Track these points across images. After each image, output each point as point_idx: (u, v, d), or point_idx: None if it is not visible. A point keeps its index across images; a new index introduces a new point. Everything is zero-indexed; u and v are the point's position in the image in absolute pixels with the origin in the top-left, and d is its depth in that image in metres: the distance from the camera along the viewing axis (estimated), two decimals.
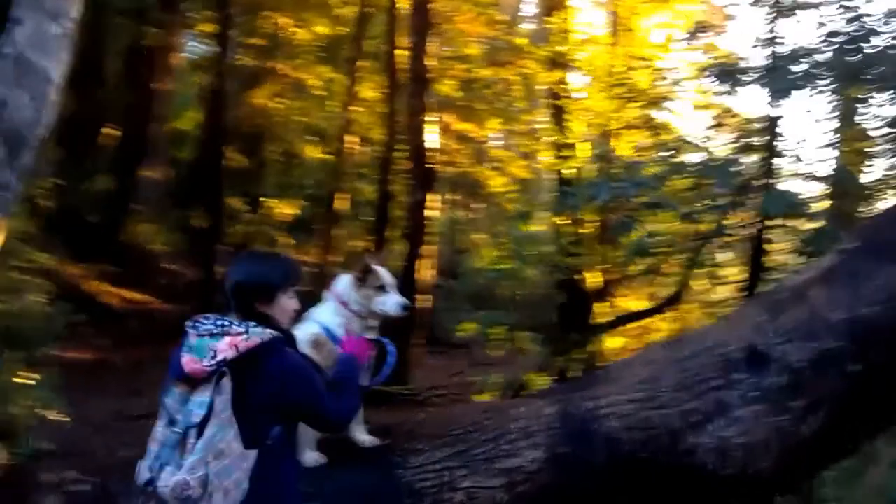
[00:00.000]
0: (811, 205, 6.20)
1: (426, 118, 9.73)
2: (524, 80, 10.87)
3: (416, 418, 3.58)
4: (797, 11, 6.17)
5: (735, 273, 7.12)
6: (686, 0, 9.53)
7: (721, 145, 6.83)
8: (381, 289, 2.89)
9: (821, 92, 5.73)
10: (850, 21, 5.51)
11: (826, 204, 6.69)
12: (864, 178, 6.98)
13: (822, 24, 5.74)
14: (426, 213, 9.87)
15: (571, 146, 8.69)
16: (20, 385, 5.40)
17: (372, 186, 13.84)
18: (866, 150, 6.82)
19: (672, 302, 7.20)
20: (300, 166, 18.45)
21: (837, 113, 6.55)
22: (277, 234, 17.87)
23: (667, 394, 3.06)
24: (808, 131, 6.37)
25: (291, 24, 15.38)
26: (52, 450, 5.21)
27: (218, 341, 2.00)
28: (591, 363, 7.30)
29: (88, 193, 13.98)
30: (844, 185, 6.78)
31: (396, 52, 11.11)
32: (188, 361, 2.00)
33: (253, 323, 2.07)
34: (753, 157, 6.37)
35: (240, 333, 2.02)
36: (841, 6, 5.67)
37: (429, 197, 9.87)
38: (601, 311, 8.10)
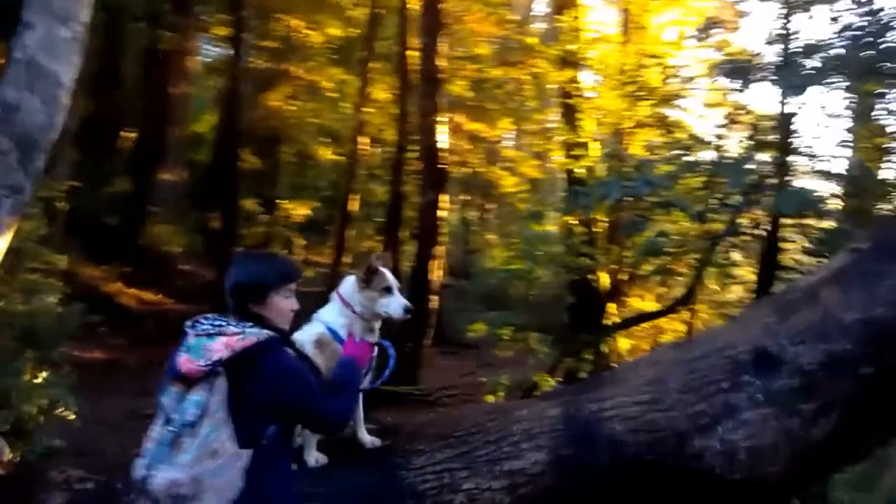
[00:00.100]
0: (827, 203, 6.11)
1: (438, 119, 9.72)
2: (535, 80, 10.83)
3: (418, 419, 3.56)
4: (810, 6, 6.08)
5: (749, 273, 7.04)
6: None
7: (734, 143, 6.75)
8: (386, 291, 2.87)
9: (835, 88, 5.64)
10: (863, 15, 5.42)
11: (842, 202, 6.58)
12: (882, 175, 6.87)
13: (835, 19, 5.65)
14: (438, 213, 9.85)
15: (583, 145, 8.64)
16: (34, 384, 5.47)
17: (384, 187, 13.88)
18: (884, 146, 6.71)
19: (684, 302, 7.12)
20: (314, 168, 18.56)
21: (853, 109, 6.44)
22: (292, 234, 17.99)
23: (673, 396, 3.01)
24: (823, 128, 6.23)
25: (304, 26, 15.45)
26: (65, 448, 5.29)
27: (213, 341, 2.02)
28: (601, 364, 7.25)
29: (106, 196, 14.16)
30: (861, 183, 6.68)
31: (408, 52, 11.12)
32: (184, 361, 2.02)
33: (250, 323, 2.08)
34: (767, 155, 6.28)
35: (235, 334, 2.03)
36: (855, 1, 5.58)
37: (440, 197, 9.86)
38: (612, 312, 8.04)
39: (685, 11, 9.53)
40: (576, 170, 8.58)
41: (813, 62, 5.41)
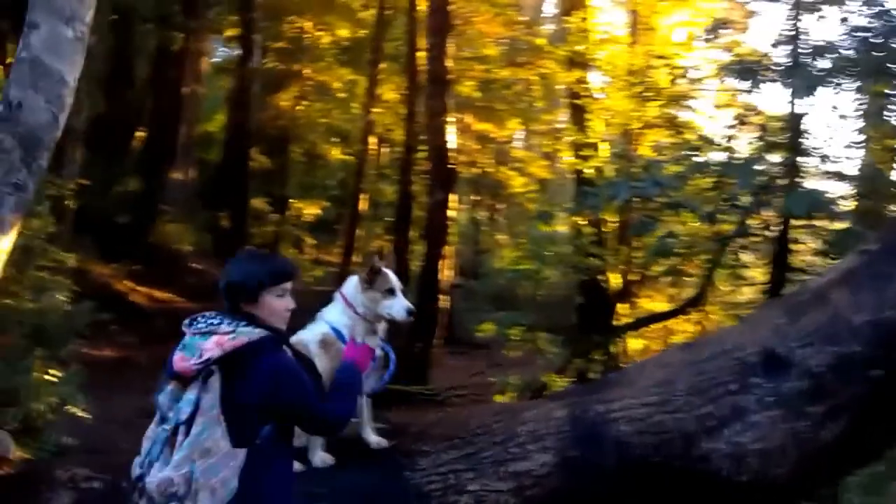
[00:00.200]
0: (838, 204, 6.05)
1: (446, 119, 9.73)
2: (543, 80, 10.82)
3: (425, 419, 3.55)
4: (820, 7, 6.03)
5: (760, 274, 6.99)
6: None
7: (744, 144, 6.71)
8: (389, 292, 2.86)
9: (846, 89, 5.59)
10: (873, 16, 5.36)
11: (853, 203, 6.52)
12: (894, 176, 6.80)
13: (845, 20, 5.60)
14: (447, 213, 9.86)
15: (592, 146, 8.62)
16: (43, 382, 5.51)
17: (393, 187, 13.90)
18: (895, 147, 6.64)
19: (694, 303, 7.08)
20: (323, 167, 18.62)
21: (864, 110, 6.38)
22: (301, 234, 18.07)
23: (681, 397, 2.98)
24: (833, 129, 6.17)
25: (314, 27, 15.51)
26: (75, 445, 5.31)
27: (206, 340, 2.02)
28: (611, 365, 7.22)
29: (118, 195, 14.26)
30: (873, 184, 6.61)
31: (416, 53, 11.13)
32: (178, 359, 2.02)
33: (243, 323, 2.07)
34: (777, 156, 6.24)
35: (227, 333, 2.02)
36: (865, 1, 5.52)
37: (449, 197, 9.86)
38: (622, 313, 8.01)
39: (694, 12, 9.49)
40: (584, 170, 8.56)
41: (823, 63, 5.36)
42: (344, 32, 15.38)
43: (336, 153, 17.59)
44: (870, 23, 5.40)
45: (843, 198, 6.34)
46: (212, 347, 1.99)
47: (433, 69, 9.99)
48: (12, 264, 5.90)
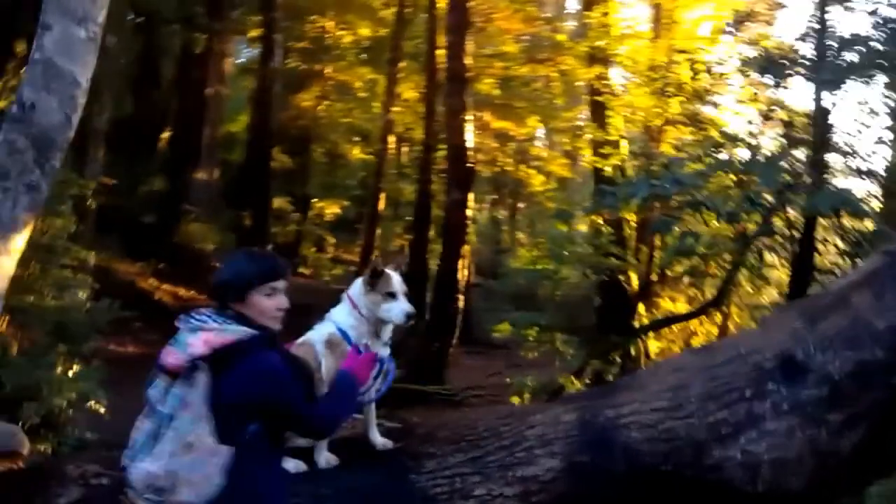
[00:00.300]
0: (865, 203, 5.87)
1: (465, 117, 9.69)
2: (563, 77, 10.72)
3: (432, 421, 3.51)
4: None
5: (783, 275, 6.83)
6: None
7: (768, 140, 6.56)
8: (389, 295, 2.83)
9: (874, 83, 5.42)
10: None
11: (881, 202, 6.33)
12: None
13: (873, 12, 5.43)
14: (465, 212, 9.82)
15: (612, 143, 8.51)
16: (65, 377, 5.59)
17: (412, 186, 13.91)
18: None
19: (716, 304, 6.94)
20: (343, 167, 18.72)
21: (892, 105, 6.19)
22: (323, 233, 18.20)
23: (694, 403, 2.89)
24: (860, 125, 5.97)
25: (335, 26, 15.58)
26: (96, 440, 5.39)
27: (195, 336, 2.03)
28: (630, 366, 7.12)
29: (143, 194, 14.50)
30: None
31: (436, 51, 11.10)
32: (168, 354, 2.04)
33: (232, 321, 2.07)
34: (801, 153, 6.08)
35: (214, 329, 2.03)
36: None
37: (467, 196, 9.82)
38: (642, 313, 7.90)
39: (718, 5, 9.31)
40: (604, 168, 8.46)
41: (850, 56, 5.20)
42: (365, 31, 15.43)
43: (357, 153, 17.66)
44: None
45: (871, 196, 6.15)
46: (199, 344, 2.00)
47: (452, 67, 9.97)
48: (36, 262, 6.04)
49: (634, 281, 8.09)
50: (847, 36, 5.59)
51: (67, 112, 3.35)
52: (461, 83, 9.79)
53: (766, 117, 6.67)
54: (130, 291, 10.91)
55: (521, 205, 18.19)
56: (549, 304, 8.93)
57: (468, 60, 9.88)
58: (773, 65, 6.04)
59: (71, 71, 3.32)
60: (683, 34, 9.44)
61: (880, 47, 5.16)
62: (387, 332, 2.93)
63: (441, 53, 10.80)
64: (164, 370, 2.04)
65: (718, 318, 7.20)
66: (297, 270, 16.14)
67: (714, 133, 7.30)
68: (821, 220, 5.93)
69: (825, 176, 5.98)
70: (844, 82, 5.42)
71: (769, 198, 5.88)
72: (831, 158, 6.04)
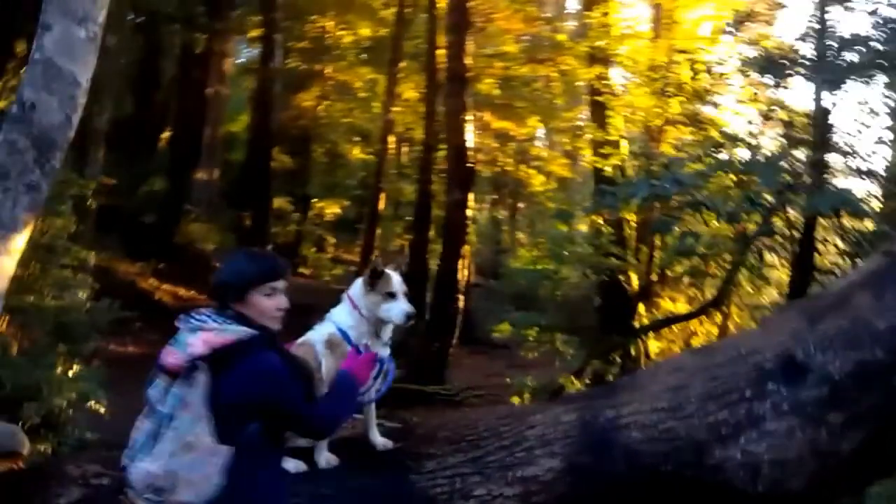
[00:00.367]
0: (865, 203, 5.86)
1: (465, 117, 9.69)
2: (564, 77, 10.71)
3: (432, 421, 3.51)
4: None
5: (784, 275, 6.83)
6: None
7: (768, 141, 6.55)
8: (389, 295, 2.82)
9: (874, 83, 5.41)
10: None
11: (881, 202, 6.32)
12: None
13: (874, 12, 5.42)
14: (465, 212, 9.82)
15: (612, 143, 8.51)
16: (65, 378, 5.59)
17: (413, 186, 13.91)
18: None
19: (716, 304, 6.94)
20: (344, 167, 18.73)
21: (893, 105, 6.18)
22: (323, 233, 18.20)
23: (694, 403, 2.88)
24: (861, 125, 5.95)
25: (335, 26, 15.57)
26: (97, 440, 5.39)
27: (194, 336, 2.03)
28: (630, 367, 7.12)
29: (144, 194, 14.51)
30: None
31: (436, 51, 11.09)
32: (167, 354, 2.04)
33: (232, 321, 2.08)
34: (802, 153, 6.08)
35: (213, 329, 2.04)
36: None
37: (467, 196, 9.82)
38: (642, 313, 7.90)
39: (719, 5, 9.30)
40: (604, 168, 8.46)
41: (850, 56, 5.19)
42: (365, 31, 15.43)
43: (357, 153, 17.66)
44: None
45: (871, 196, 6.14)
46: (198, 343, 2.00)
47: (452, 67, 9.97)
48: (36, 262, 6.05)
49: (635, 281, 8.09)
50: (847, 36, 5.58)
51: (68, 112, 3.35)
52: (461, 83, 9.79)
53: (767, 117, 6.67)
54: (131, 291, 10.92)
55: (521, 205, 18.19)
56: (549, 304, 8.93)
57: (468, 60, 9.88)
58: (773, 65, 6.03)
59: (71, 71, 3.32)
60: (684, 34, 9.44)
61: (880, 47, 5.15)
62: (387, 333, 2.93)
63: (441, 53, 10.79)
64: (164, 370, 2.05)
65: (719, 318, 7.19)
66: (297, 270, 16.15)
67: (714, 133, 7.29)
68: (821, 221, 5.92)
69: (825, 176, 5.97)
70: (844, 82, 5.41)
71: (769, 198, 5.88)
72: (831, 158, 6.04)
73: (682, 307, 8.09)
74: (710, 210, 5.96)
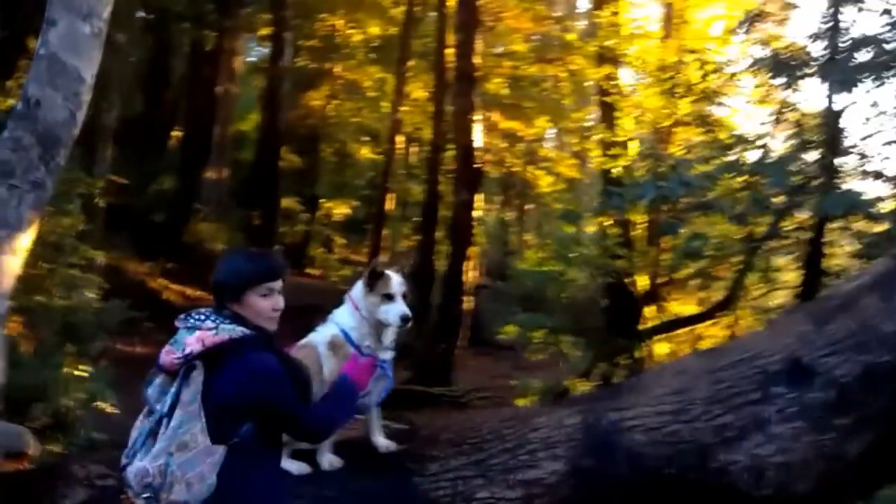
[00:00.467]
0: (877, 205, 5.78)
1: (473, 117, 9.67)
2: (573, 77, 10.67)
3: (435, 423, 3.50)
4: None
5: (793, 277, 6.76)
6: None
7: (778, 142, 6.49)
8: (387, 297, 2.80)
9: (887, 84, 5.33)
10: None
11: (894, 204, 6.23)
12: None
13: (888, 11, 5.35)
14: (472, 213, 9.80)
15: (621, 144, 8.46)
16: (73, 378, 5.62)
17: (421, 186, 13.89)
18: None
19: (724, 307, 6.88)
20: (352, 167, 18.73)
21: None
22: (332, 233, 18.21)
23: (699, 407, 2.85)
24: (873, 126, 5.87)
25: (345, 25, 15.57)
26: (106, 440, 5.41)
27: (191, 335, 2.03)
28: (637, 369, 7.07)
29: (153, 193, 14.57)
30: None
31: (445, 50, 11.07)
32: (165, 353, 2.05)
33: (228, 320, 2.07)
34: (812, 155, 6.01)
35: (209, 328, 2.04)
36: None
37: (475, 197, 9.80)
38: (650, 316, 7.86)
39: (731, 4, 9.23)
40: (612, 169, 8.41)
41: (863, 56, 5.13)
42: (375, 30, 15.42)
43: (365, 152, 17.66)
44: None
45: (881, 199, 6.05)
46: (194, 342, 2.01)
47: (461, 66, 9.95)
48: (44, 261, 6.08)
49: (641, 283, 8.04)
50: (860, 36, 5.51)
51: (72, 108, 3.34)
52: (470, 82, 9.77)
53: (778, 119, 6.60)
54: (140, 291, 10.97)
55: (529, 206, 18.14)
56: (555, 305, 8.89)
57: (477, 60, 9.86)
58: (784, 65, 5.96)
59: (76, 66, 3.31)
60: (694, 34, 9.38)
61: (894, 46, 5.08)
62: (389, 335, 2.90)
63: (450, 52, 10.78)
64: (161, 369, 2.05)
65: (728, 321, 7.13)
66: (305, 271, 16.18)
67: (724, 135, 7.23)
68: (832, 223, 5.86)
69: (835, 178, 5.90)
70: (857, 84, 5.34)
71: (779, 200, 5.83)
72: (843, 160, 5.96)
73: (690, 310, 8.03)
74: (718, 212, 5.91)
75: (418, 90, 14.11)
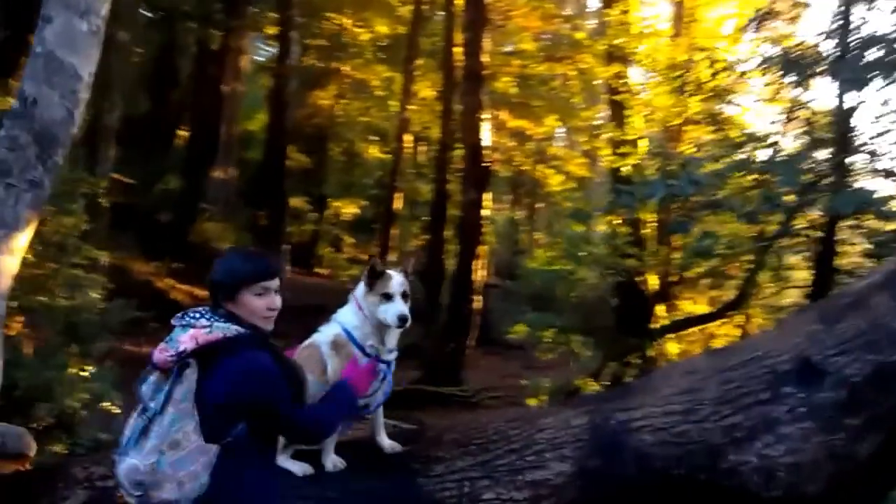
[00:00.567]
0: (889, 203, 5.70)
1: (481, 116, 9.63)
2: (582, 76, 10.62)
3: (441, 423, 3.46)
4: None
5: (805, 276, 6.70)
6: None
7: (789, 140, 6.42)
8: (386, 296, 2.76)
9: None
10: None
11: None
12: None
13: None
14: (480, 212, 9.76)
15: (631, 143, 8.40)
16: (77, 378, 5.61)
17: (429, 185, 13.87)
18: None
19: (736, 306, 6.82)
20: (360, 166, 18.73)
21: None
22: (340, 232, 18.22)
23: (708, 407, 2.81)
24: (885, 125, 5.79)
25: (352, 24, 15.57)
26: (111, 441, 5.40)
27: (185, 333, 2.03)
28: (647, 369, 7.01)
29: (160, 193, 14.61)
30: None
31: (453, 49, 11.04)
32: (159, 350, 2.03)
33: (222, 319, 2.06)
34: (824, 153, 5.94)
35: (203, 327, 2.03)
36: None
37: (483, 196, 9.77)
38: (661, 315, 7.80)
39: (741, 3, 9.16)
40: (622, 168, 8.35)
41: (874, 55, 5.06)
42: (382, 29, 15.41)
43: (374, 151, 17.66)
44: None
45: (893, 197, 5.97)
46: (187, 340, 2.00)
47: (469, 65, 9.92)
48: (47, 261, 6.08)
49: (652, 282, 7.98)
50: (870, 34, 5.44)
51: (69, 106, 3.29)
52: (478, 81, 9.74)
53: (788, 117, 6.53)
54: (146, 291, 10.98)
55: (539, 205, 18.09)
56: (565, 305, 8.85)
57: (485, 58, 9.82)
58: (795, 64, 5.90)
59: (72, 64, 3.26)
60: (704, 32, 9.32)
61: None
62: (392, 336, 2.86)
63: (458, 51, 10.75)
64: (155, 367, 2.04)
65: (741, 319, 7.07)
66: (313, 270, 16.19)
67: (734, 133, 7.17)
68: (843, 221, 5.79)
69: (846, 177, 5.83)
70: (868, 82, 5.27)
71: (790, 198, 5.76)
72: (854, 158, 5.89)
73: (702, 309, 7.97)
74: (729, 210, 5.85)
75: (426, 89, 14.09)
